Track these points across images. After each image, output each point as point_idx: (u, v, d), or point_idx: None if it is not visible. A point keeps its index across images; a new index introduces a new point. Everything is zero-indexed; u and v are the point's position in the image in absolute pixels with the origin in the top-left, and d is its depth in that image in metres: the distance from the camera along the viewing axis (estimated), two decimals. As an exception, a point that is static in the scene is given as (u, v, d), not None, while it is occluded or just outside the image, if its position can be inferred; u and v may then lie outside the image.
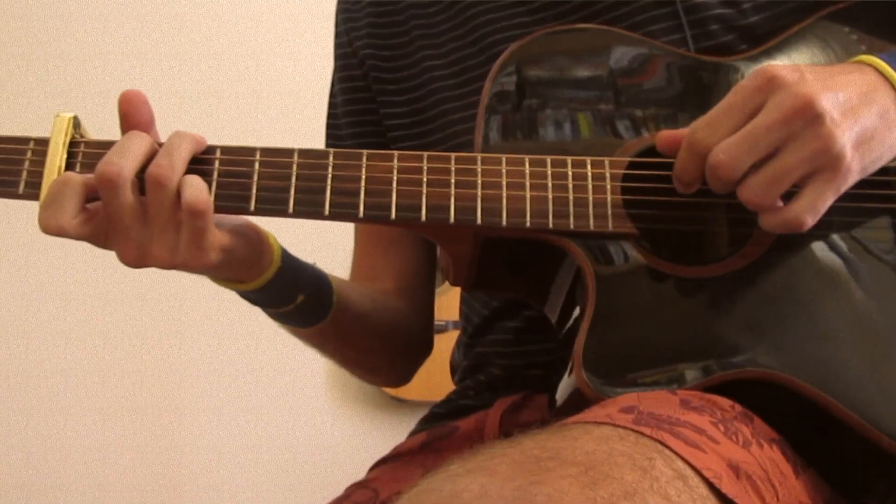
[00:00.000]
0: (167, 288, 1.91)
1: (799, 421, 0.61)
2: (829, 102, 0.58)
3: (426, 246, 0.89)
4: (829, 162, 0.58)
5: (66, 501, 1.98)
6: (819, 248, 0.66)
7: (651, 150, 0.67)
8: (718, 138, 0.60)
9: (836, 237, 0.66)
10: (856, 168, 0.60)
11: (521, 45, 0.72)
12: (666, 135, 0.64)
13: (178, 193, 0.61)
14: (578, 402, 0.60)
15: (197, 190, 0.61)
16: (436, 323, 0.95)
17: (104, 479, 2.01)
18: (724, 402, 0.59)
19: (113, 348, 2.05)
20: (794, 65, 0.61)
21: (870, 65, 0.63)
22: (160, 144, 0.63)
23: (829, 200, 0.60)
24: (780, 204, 0.61)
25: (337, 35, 0.92)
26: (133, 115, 0.64)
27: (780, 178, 0.59)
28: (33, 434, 2.01)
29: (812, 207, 0.59)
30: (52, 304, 2.04)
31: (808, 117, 0.58)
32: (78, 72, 2.06)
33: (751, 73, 0.61)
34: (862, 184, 0.64)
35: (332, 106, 0.93)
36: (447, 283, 0.73)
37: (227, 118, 2.07)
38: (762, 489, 0.53)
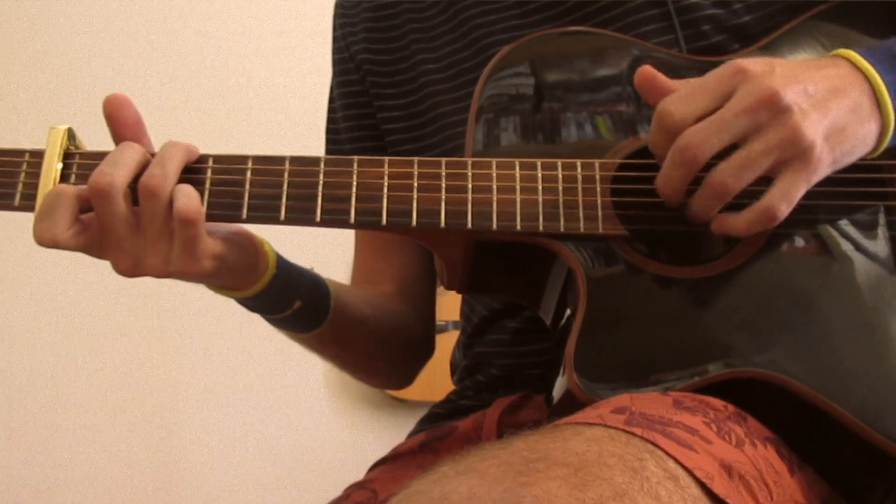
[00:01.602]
0: (166, 291, 1.91)
1: (794, 421, 0.61)
2: (798, 95, 0.58)
3: (426, 249, 0.89)
4: (798, 152, 0.58)
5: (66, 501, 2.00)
6: (810, 247, 0.65)
7: (641, 152, 0.67)
8: (688, 113, 0.60)
9: (827, 236, 0.66)
10: (827, 160, 0.60)
11: (513, 48, 0.72)
12: (646, 70, 0.64)
13: (171, 203, 0.61)
14: (572, 402, 0.60)
15: (188, 199, 0.61)
16: (436, 323, 0.96)
17: (104, 479, 2.01)
18: (717, 402, 0.59)
19: (112, 350, 2.05)
20: (765, 58, 0.61)
21: (844, 58, 0.63)
22: (153, 154, 0.64)
23: (801, 190, 0.60)
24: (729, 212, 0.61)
25: (334, 40, 0.93)
26: (118, 116, 0.64)
27: (749, 164, 0.59)
28: (32, 438, 2.01)
29: (785, 196, 0.59)
30: (49, 310, 2.05)
31: (774, 109, 0.58)
32: (73, 83, 2.07)
33: (724, 63, 0.61)
34: (852, 181, 0.64)
35: (331, 111, 0.94)
36: (446, 285, 0.73)
37: (222, 126, 2.07)
38: (755, 488, 0.53)
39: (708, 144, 0.59)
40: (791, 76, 0.59)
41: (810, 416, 0.60)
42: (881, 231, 0.66)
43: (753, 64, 0.60)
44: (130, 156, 0.62)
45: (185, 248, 0.62)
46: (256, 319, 0.77)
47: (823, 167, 0.60)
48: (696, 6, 0.75)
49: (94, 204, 0.61)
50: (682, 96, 0.61)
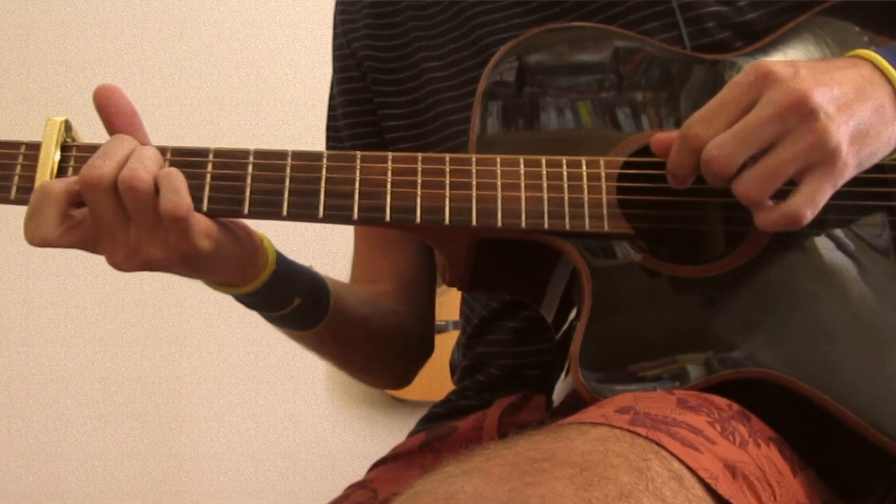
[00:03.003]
0: (167, 292, 1.92)
1: (797, 420, 0.61)
2: (824, 98, 0.58)
3: (426, 247, 0.89)
4: (825, 156, 0.58)
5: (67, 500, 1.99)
6: (815, 246, 0.65)
7: (646, 149, 0.67)
8: (713, 133, 0.60)
9: (832, 235, 0.66)
10: (852, 163, 0.59)
11: (516, 44, 0.72)
12: (661, 137, 0.64)
13: (157, 191, 0.60)
14: (575, 402, 0.60)
15: (174, 195, 0.60)
16: (436, 323, 0.95)
17: (106, 485, 2.01)
18: (722, 401, 0.59)
19: (114, 353, 2.05)
20: (789, 60, 0.61)
21: (866, 59, 0.63)
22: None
23: (826, 194, 0.59)
24: (770, 204, 0.60)
25: (335, 37, 0.92)
26: (108, 105, 0.64)
27: (776, 173, 0.59)
28: (35, 440, 2.01)
29: (810, 200, 0.59)
30: (53, 309, 2.04)
31: (802, 113, 0.58)
32: (73, 76, 2.06)
33: (746, 68, 0.61)
34: (858, 181, 0.64)
35: (331, 108, 0.93)
36: (447, 284, 0.73)
37: (228, 120, 2.07)
38: (759, 489, 0.53)
39: (734, 158, 0.59)
40: (816, 78, 0.59)
41: (813, 415, 0.60)
42: (886, 232, 0.67)
43: (778, 66, 0.59)
44: (121, 148, 0.61)
45: (179, 235, 0.61)
46: (256, 318, 0.76)
47: (849, 170, 0.60)
48: (700, 3, 0.75)
49: (86, 197, 0.60)
50: (706, 116, 0.61)
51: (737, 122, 0.59)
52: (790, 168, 0.59)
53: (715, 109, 0.60)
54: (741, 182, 0.60)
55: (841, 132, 0.58)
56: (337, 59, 0.92)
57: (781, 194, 0.60)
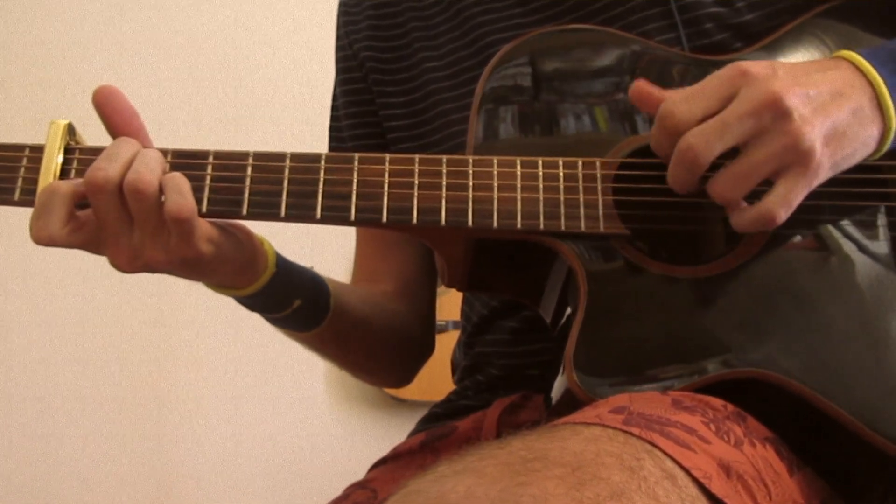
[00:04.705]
0: (166, 290, 1.92)
1: (794, 421, 0.61)
2: (798, 99, 0.58)
3: (426, 248, 0.89)
4: (798, 158, 0.59)
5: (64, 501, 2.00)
6: (811, 246, 0.65)
7: (642, 151, 0.67)
8: (689, 115, 0.60)
9: (827, 236, 0.66)
10: (827, 164, 0.60)
11: (515, 46, 0.72)
12: (642, 85, 0.64)
13: (161, 196, 0.61)
14: (572, 402, 0.60)
15: (179, 197, 0.61)
16: (436, 323, 0.95)
17: (102, 480, 2.01)
18: (717, 401, 0.59)
19: (109, 350, 2.05)
20: (768, 61, 0.61)
21: (847, 60, 0.62)
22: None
23: (800, 195, 0.60)
24: (745, 204, 0.61)
25: (338, 38, 0.93)
26: (107, 104, 0.64)
27: (749, 173, 0.59)
28: (36, 439, 2.01)
29: (784, 201, 0.59)
30: (48, 308, 2.05)
31: (776, 112, 0.58)
32: (73, 79, 2.07)
33: (726, 66, 0.61)
34: (854, 182, 0.64)
35: (333, 108, 0.94)
36: (446, 284, 0.73)
37: (223, 122, 2.08)
38: (754, 488, 0.53)
39: (710, 147, 0.59)
40: (793, 79, 0.59)
41: (809, 416, 0.60)
42: (882, 232, 0.66)
43: (756, 66, 0.60)
44: (126, 150, 0.62)
45: (181, 238, 0.61)
46: (256, 319, 0.77)
47: (823, 171, 0.60)
48: (698, 4, 0.75)
49: (91, 199, 0.61)
50: (684, 97, 0.61)
51: (713, 113, 0.60)
52: (763, 169, 0.59)
53: (693, 93, 0.61)
54: (716, 182, 0.60)
55: (815, 133, 0.58)
56: (339, 59, 0.92)
57: (758, 195, 0.60)
